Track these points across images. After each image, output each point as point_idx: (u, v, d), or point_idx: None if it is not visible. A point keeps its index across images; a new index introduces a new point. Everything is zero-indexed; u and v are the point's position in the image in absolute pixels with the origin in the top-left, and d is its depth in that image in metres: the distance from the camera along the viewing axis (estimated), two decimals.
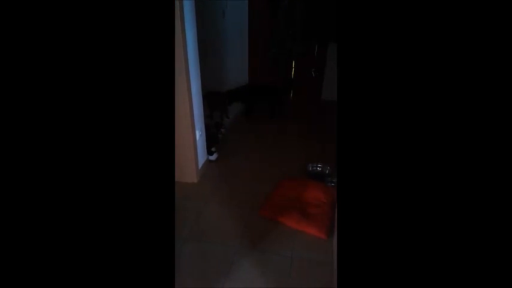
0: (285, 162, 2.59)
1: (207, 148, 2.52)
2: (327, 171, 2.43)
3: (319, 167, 2.46)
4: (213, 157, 2.58)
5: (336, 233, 1.63)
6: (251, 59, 3.81)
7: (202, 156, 2.41)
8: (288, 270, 1.60)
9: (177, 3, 1.69)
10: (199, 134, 2.28)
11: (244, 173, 2.46)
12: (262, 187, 2.25)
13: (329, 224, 1.86)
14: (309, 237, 1.80)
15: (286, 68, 3.76)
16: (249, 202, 2.10)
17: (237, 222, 1.93)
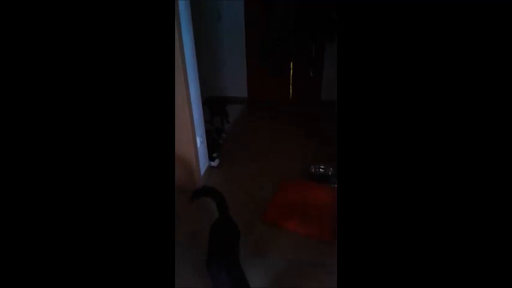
0: (287, 165, 2.57)
1: (208, 154, 2.50)
2: (330, 172, 2.40)
3: (322, 168, 2.44)
4: (215, 163, 2.56)
5: None
6: (249, 62, 3.79)
7: (204, 163, 2.39)
8: (295, 275, 1.57)
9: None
10: (200, 141, 2.26)
11: (247, 177, 2.44)
12: (264, 191, 2.23)
13: (334, 227, 1.84)
14: (314, 241, 1.78)
15: (283, 69, 3.74)
16: (252, 207, 2.08)
17: (241, 229, 1.90)
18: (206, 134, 2.44)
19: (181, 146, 2.13)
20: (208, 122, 3.19)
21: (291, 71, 3.78)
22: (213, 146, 2.62)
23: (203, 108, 2.33)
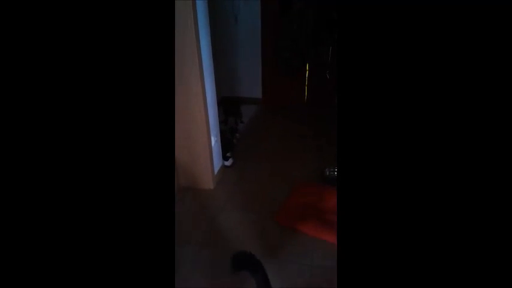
0: (301, 167, 2.56)
1: (222, 154, 2.52)
2: None
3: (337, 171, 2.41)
4: (228, 162, 2.57)
5: None
6: (264, 64, 3.80)
7: (218, 162, 2.41)
8: (308, 280, 1.56)
9: (190, 10, 1.70)
10: (214, 140, 2.28)
11: (260, 178, 2.44)
12: (278, 193, 2.22)
13: None
14: (329, 245, 1.76)
15: (300, 71, 3.73)
16: (265, 208, 2.08)
17: (253, 230, 1.91)
18: (220, 133, 2.45)
19: (196, 145, 2.15)
20: (222, 122, 3.21)
21: (307, 72, 3.76)
22: (227, 146, 2.64)
23: (218, 109, 2.34)
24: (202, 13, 1.86)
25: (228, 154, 2.58)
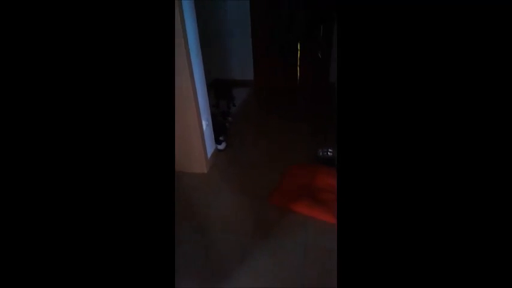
0: (294, 149, 2.55)
1: (215, 137, 2.50)
2: None
3: (330, 151, 2.41)
4: (221, 146, 2.56)
5: None
6: (255, 45, 3.71)
7: (210, 146, 2.39)
8: (302, 258, 1.58)
9: None
10: (205, 124, 2.25)
11: (253, 161, 2.44)
12: (272, 175, 2.23)
13: None
14: (322, 223, 1.78)
15: (291, 51, 3.66)
16: (259, 190, 2.09)
17: (248, 212, 1.92)
18: (212, 117, 2.42)
19: (187, 129, 2.13)
20: (214, 105, 3.17)
21: (299, 52, 3.69)
22: (220, 130, 2.61)
23: (209, 92, 2.30)
24: None
25: (221, 138, 2.56)
